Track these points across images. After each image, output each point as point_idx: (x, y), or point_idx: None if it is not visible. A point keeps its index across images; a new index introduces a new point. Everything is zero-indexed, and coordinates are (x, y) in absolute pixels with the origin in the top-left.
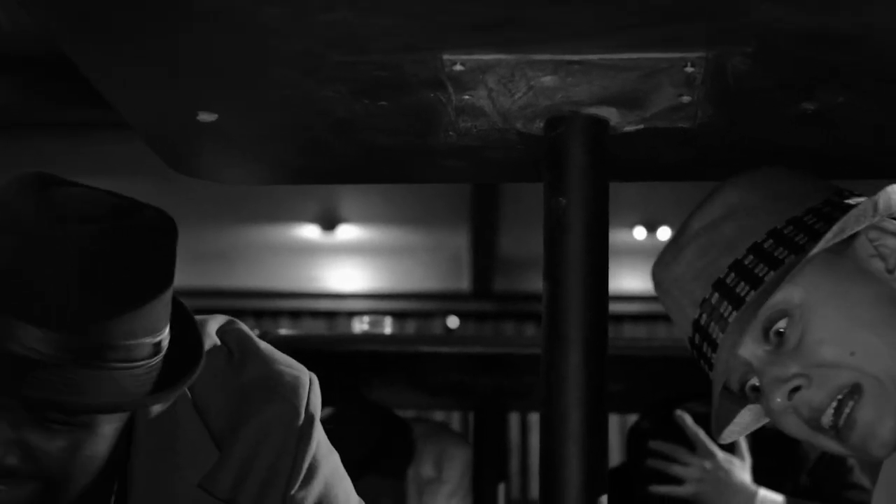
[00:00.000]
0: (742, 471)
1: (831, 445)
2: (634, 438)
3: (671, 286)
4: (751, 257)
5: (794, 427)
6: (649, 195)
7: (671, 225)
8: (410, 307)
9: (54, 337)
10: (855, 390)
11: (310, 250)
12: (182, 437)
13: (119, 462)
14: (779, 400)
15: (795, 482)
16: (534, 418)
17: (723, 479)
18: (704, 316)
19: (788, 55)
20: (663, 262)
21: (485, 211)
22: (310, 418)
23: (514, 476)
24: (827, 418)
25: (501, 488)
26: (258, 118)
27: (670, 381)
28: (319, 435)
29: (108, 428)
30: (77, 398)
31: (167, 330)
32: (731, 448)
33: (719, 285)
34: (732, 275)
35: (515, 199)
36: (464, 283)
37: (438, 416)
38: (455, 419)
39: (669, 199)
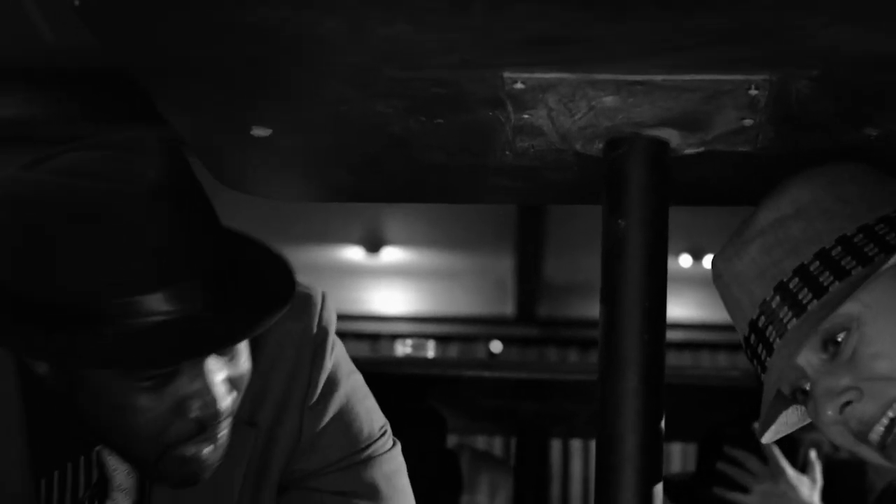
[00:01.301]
0: (812, 491)
1: (873, 456)
2: (709, 441)
3: (731, 281)
4: (817, 263)
5: (840, 437)
6: (695, 222)
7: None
8: (454, 331)
9: (173, 292)
10: None
11: (354, 272)
12: None
13: None
14: (830, 413)
15: None
16: (575, 444)
17: (789, 495)
18: (763, 318)
19: (853, 79)
20: (726, 254)
21: (530, 236)
22: (323, 332)
23: (554, 502)
24: (876, 434)
25: None
26: (311, 133)
27: (713, 410)
28: (339, 352)
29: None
30: (228, 330)
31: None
32: (804, 468)
33: (781, 288)
34: (796, 279)
35: (561, 224)
36: (508, 308)
37: (480, 440)
38: (497, 444)
39: (716, 227)
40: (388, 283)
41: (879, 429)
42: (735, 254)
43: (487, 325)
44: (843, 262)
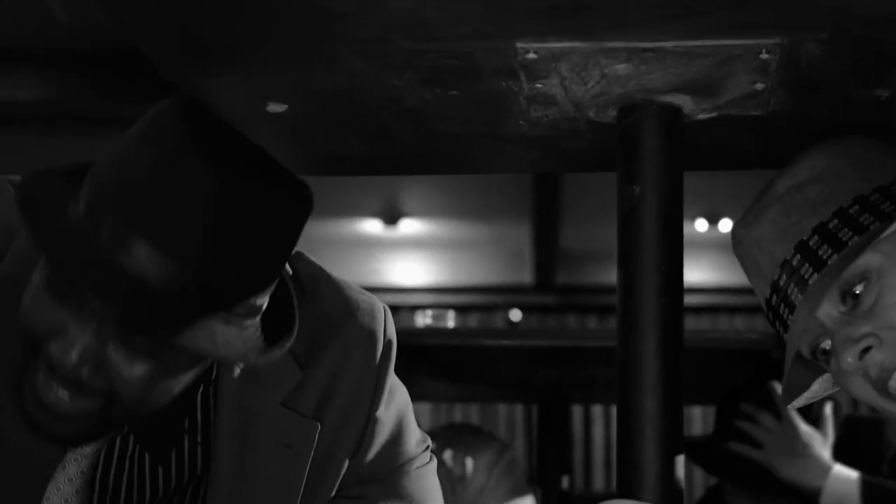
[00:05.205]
0: (822, 446)
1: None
2: (728, 399)
3: (751, 245)
4: (835, 221)
5: (860, 389)
6: (711, 187)
7: (733, 217)
8: (473, 301)
9: (166, 263)
10: None
11: (372, 244)
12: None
13: (192, 392)
14: (850, 360)
15: (876, 470)
16: (596, 410)
17: (799, 451)
18: (784, 277)
19: (862, 40)
20: (745, 221)
21: (546, 204)
22: (389, 344)
23: (577, 467)
24: (895, 382)
25: (565, 480)
26: (326, 108)
27: (733, 372)
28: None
29: (191, 373)
30: (174, 336)
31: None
32: (817, 423)
33: (802, 247)
34: (816, 237)
35: (576, 192)
36: (526, 277)
37: (502, 408)
38: (518, 412)
39: (731, 191)
40: (406, 254)
41: None
42: (754, 219)
43: (506, 293)
44: (861, 219)
